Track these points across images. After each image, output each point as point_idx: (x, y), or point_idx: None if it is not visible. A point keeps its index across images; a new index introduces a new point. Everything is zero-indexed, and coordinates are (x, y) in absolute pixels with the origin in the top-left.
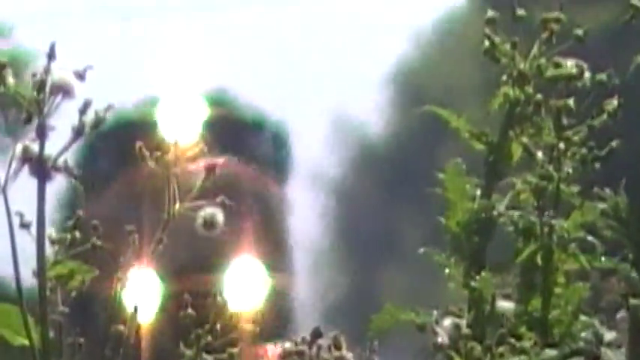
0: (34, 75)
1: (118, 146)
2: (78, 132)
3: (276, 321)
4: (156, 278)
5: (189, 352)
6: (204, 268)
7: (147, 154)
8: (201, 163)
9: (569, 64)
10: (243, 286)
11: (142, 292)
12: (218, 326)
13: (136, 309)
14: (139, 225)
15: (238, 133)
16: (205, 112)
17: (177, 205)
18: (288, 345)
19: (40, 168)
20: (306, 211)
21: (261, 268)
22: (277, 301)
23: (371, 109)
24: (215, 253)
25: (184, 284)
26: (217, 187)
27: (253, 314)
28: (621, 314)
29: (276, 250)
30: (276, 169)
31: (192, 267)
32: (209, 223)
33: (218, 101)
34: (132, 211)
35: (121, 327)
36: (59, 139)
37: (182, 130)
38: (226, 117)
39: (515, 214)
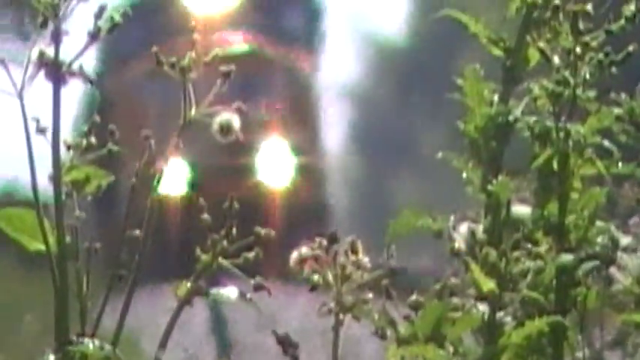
0: None
1: (146, 22)
2: (93, 36)
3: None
4: (184, 166)
5: (205, 257)
6: (235, 148)
7: (163, 59)
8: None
9: None
10: (273, 165)
11: (169, 181)
12: (234, 231)
13: (156, 198)
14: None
15: (272, 6)
16: None
17: (194, 111)
18: (304, 250)
19: (56, 72)
20: (328, 117)
21: (289, 149)
22: (307, 181)
23: (392, 15)
24: (248, 133)
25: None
26: (250, 63)
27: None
28: (635, 219)
29: (306, 131)
30: (310, 45)
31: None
32: (225, 129)
33: None
34: (160, 87)
35: (137, 232)
36: (75, 44)
37: (209, 3)
38: None
39: (532, 119)
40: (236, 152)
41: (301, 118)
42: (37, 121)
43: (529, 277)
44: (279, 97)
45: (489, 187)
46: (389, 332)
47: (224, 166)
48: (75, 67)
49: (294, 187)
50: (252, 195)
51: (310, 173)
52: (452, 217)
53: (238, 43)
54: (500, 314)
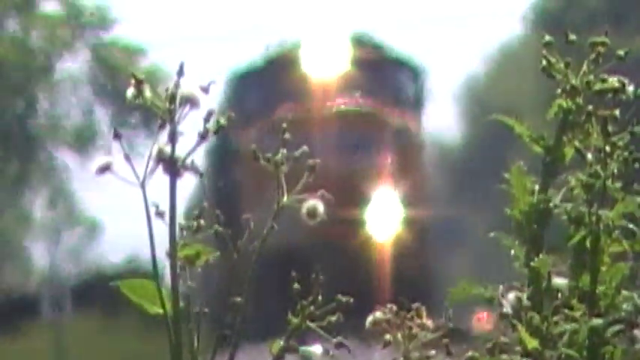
0: (166, 89)
1: (265, 83)
2: (202, 137)
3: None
4: None
5: (295, 320)
6: (347, 199)
7: (260, 155)
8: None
9: (613, 80)
10: (383, 216)
11: None
12: (319, 298)
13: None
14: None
15: (380, 71)
16: (349, 52)
17: (285, 198)
18: (378, 314)
19: (172, 167)
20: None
21: (398, 200)
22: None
23: (446, 120)
24: (358, 185)
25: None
26: (359, 122)
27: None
28: None
29: (413, 183)
30: (414, 105)
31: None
32: (312, 214)
33: (360, 42)
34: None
35: (239, 299)
36: (187, 142)
37: (325, 68)
38: (368, 57)
39: (568, 205)
40: (348, 201)
41: (408, 172)
42: (157, 206)
43: (566, 337)
44: (388, 152)
45: (532, 263)
46: None
47: (336, 215)
48: (188, 162)
49: (399, 240)
50: (360, 246)
51: (415, 225)
52: (501, 287)
53: (350, 104)
54: None
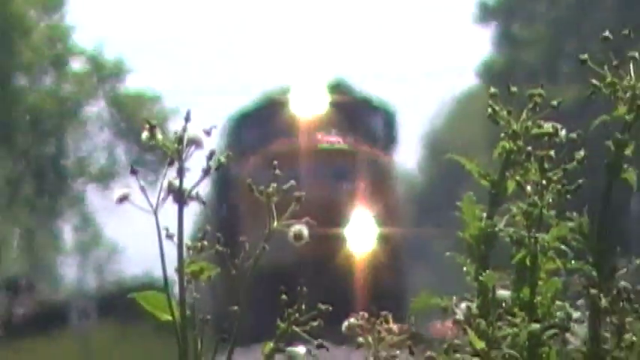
0: (175, 132)
1: (259, 123)
2: (206, 172)
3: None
4: None
5: (283, 325)
6: (329, 219)
7: (254, 188)
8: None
9: (549, 126)
10: (360, 234)
11: None
12: (303, 307)
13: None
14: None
15: (358, 113)
16: (331, 97)
17: (275, 223)
18: (352, 320)
19: (180, 197)
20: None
21: (373, 221)
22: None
23: (412, 157)
24: (338, 209)
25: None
26: (338, 158)
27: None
28: (582, 301)
29: (385, 207)
30: (385, 142)
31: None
32: (298, 237)
33: (339, 88)
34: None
35: (236, 308)
36: (193, 177)
37: (309, 110)
38: (346, 100)
39: (511, 230)
40: (329, 222)
41: (380, 197)
42: (167, 229)
43: (509, 339)
44: (363, 181)
45: (481, 277)
46: None
47: (319, 234)
48: (194, 193)
49: (374, 255)
50: (341, 257)
51: (387, 243)
52: (454, 298)
53: (332, 141)
54: None
